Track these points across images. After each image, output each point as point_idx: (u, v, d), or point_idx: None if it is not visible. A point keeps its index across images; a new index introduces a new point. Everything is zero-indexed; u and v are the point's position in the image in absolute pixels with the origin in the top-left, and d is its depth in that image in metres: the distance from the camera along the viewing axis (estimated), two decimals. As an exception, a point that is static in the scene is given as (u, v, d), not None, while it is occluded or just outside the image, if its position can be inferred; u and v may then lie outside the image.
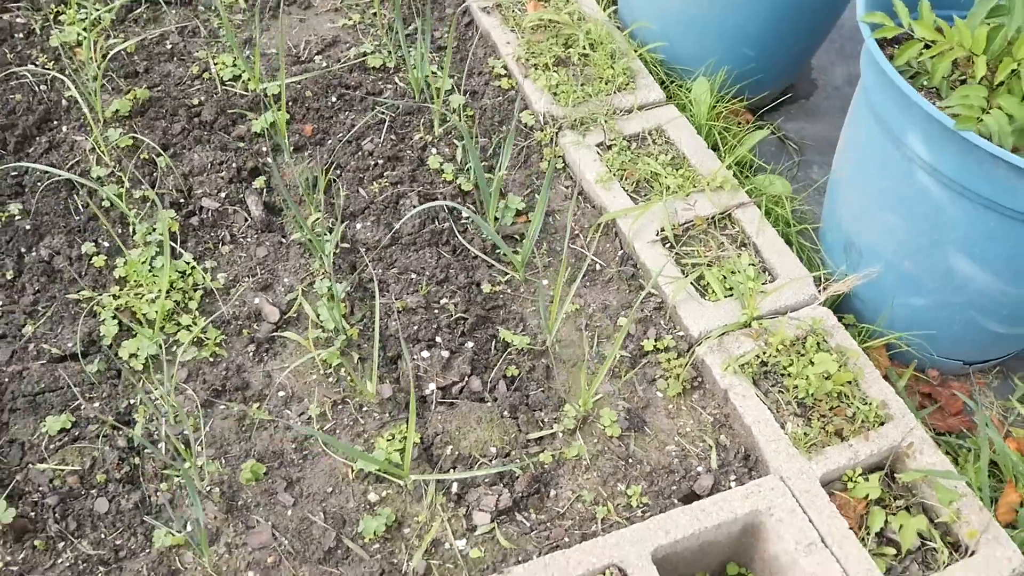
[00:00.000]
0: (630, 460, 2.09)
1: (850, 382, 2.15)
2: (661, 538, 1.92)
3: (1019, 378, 2.49)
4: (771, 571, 2.02)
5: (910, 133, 2.06)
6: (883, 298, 2.36)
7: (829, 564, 1.90)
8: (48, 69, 2.69)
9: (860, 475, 2.06)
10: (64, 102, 2.65)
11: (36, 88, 2.66)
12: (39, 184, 2.46)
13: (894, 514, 2.03)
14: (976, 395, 2.44)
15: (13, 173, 2.48)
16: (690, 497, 2.04)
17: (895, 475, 2.10)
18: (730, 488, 2.04)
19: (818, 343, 2.21)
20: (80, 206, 2.43)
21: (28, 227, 2.37)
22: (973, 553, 1.95)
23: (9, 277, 2.29)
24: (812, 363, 2.18)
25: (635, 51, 2.82)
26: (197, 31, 2.86)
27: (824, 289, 2.31)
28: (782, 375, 2.18)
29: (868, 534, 2.00)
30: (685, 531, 1.93)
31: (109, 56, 2.70)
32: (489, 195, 2.38)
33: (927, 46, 2.07)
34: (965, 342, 2.38)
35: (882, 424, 2.11)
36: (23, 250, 2.34)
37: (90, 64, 2.65)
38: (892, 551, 1.99)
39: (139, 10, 2.87)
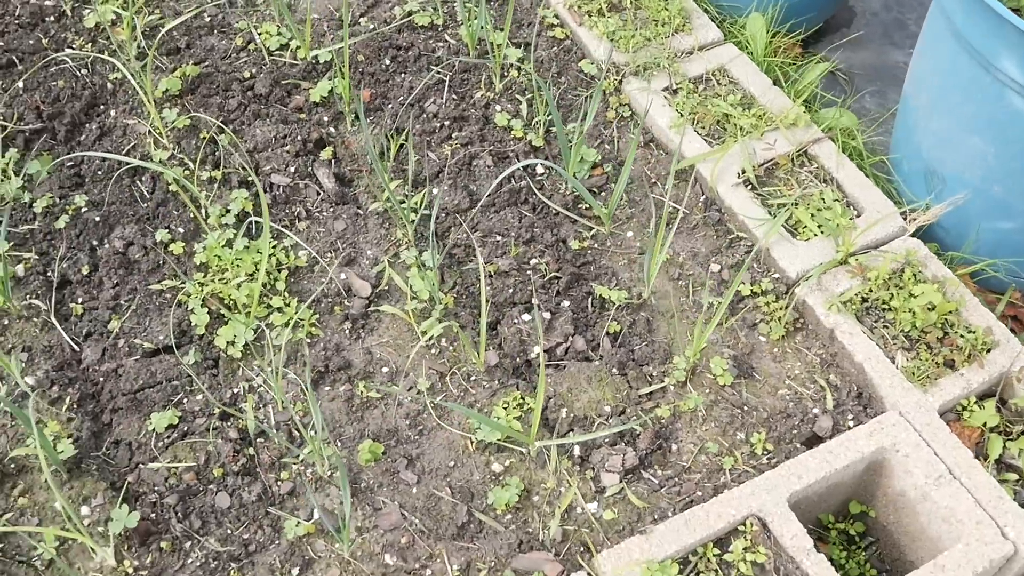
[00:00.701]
0: (745, 408, 2.07)
1: (953, 312, 2.15)
2: (795, 483, 1.91)
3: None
4: (896, 507, 2.02)
5: (1004, 56, 2.04)
6: (968, 225, 2.35)
7: (960, 495, 1.90)
8: (88, 52, 2.59)
9: (975, 403, 2.07)
10: (109, 85, 2.55)
11: (77, 73, 2.56)
12: (99, 173, 2.37)
13: (1013, 439, 2.04)
14: (1061, 313, 2.45)
15: (70, 163, 2.39)
16: (812, 440, 2.03)
17: (1006, 401, 2.10)
18: (849, 428, 2.03)
19: (914, 275, 2.20)
20: (146, 192, 2.35)
21: (97, 218, 2.29)
22: (1098, 473, 1.97)
23: (85, 272, 2.22)
24: (912, 295, 2.17)
25: (687, -10, 2.76)
26: (234, 1, 2.75)
27: (912, 220, 2.30)
28: (884, 310, 2.17)
29: (988, 462, 2.01)
30: (816, 475, 1.93)
31: (150, 35, 2.60)
32: (568, 149, 2.33)
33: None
34: (1052, 262, 2.38)
35: (989, 351, 2.10)
36: (95, 243, 2.27)
37: (130, 44, 2.55)
38: (1014, 476, 2.00)
39: (168, -18, 2.77)
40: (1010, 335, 2.13)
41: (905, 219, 2.31)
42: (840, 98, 2.79)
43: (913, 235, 2.31)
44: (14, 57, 2.58)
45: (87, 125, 2.48)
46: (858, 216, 2.32)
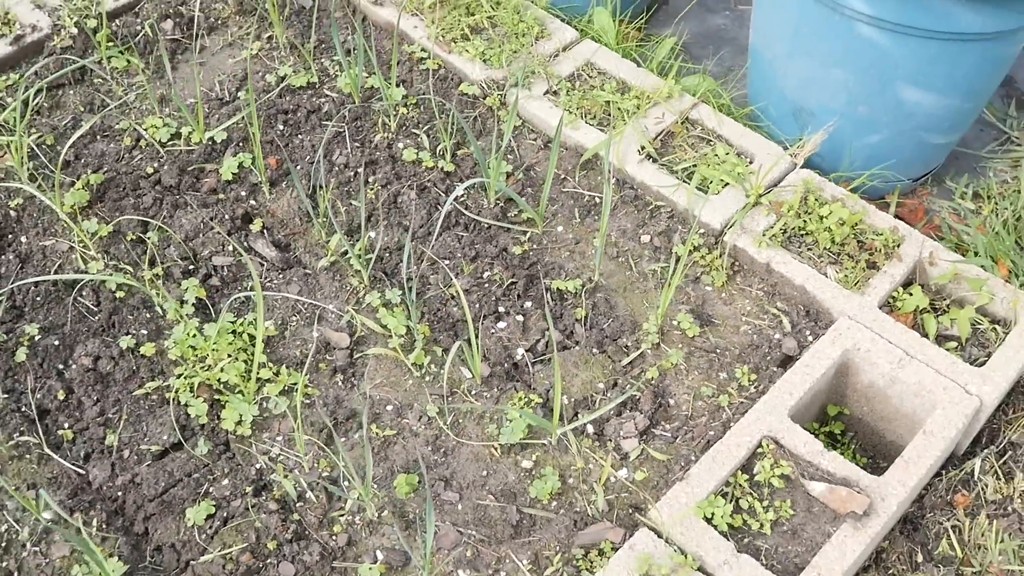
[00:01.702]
0: (717, 351, 2.28)
1: (859, 221, 2.43)
2: (788, 400, 2.13)
3: (949, 179, 2.87)
4: (867, 398, 2.28)
5: (848, -6, 2.34)
6: (841, 147, 2.65)
7: (922, 370, 2.17)
8: (-24, 187, 2.53)
9: (903, 293, 2.35)
10: (12, 212, 2.50)
11: (-28, 209, 2.50)
12: (38, 299, 2.33)
13: (943, 314, 2.34)
14: (928, 203, 2.80)
15: (2, 296, 2.33)
16: (785, 361, 2.26)
17: (924, 284, 2.40)
18: (810, 343, 2.28)
19: (816, 199, 2.47)
20: (91, 306, 2.32)
21: (56, 342, 2.26)
22: (1016, 323, 2.29)
23: (62, 397, 2.18)
24: (822, 217, 2.44)
25: (532, 2, 2.96)
26: (104, 104, 2.74)
27: (797, 154, 2.58)
28: (803, 235, 2.43)
29: (930, 338, 2.30)
30: (802, 388, 2.15)
31: (31, 156, 2.56)
32: (487, 166, 2.47)
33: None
34: (914, 161, 2.72)
35: (899, 246, 2.40)
36: (60, 366, 2.23)
37: (21, 168, 2.51)
38: (953, 344, 2.29)
39: (38, 101, 2.72)
40: (911, 228, 2.43)
41: (791, 155, 2.59)
42: (688, 66, 3.06)
43: (803, 167, 2.59)
44: (-101, 210, 2.49)
45: (2, 256, 2.42)
46: (751, 163, 2.58)
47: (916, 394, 2.17)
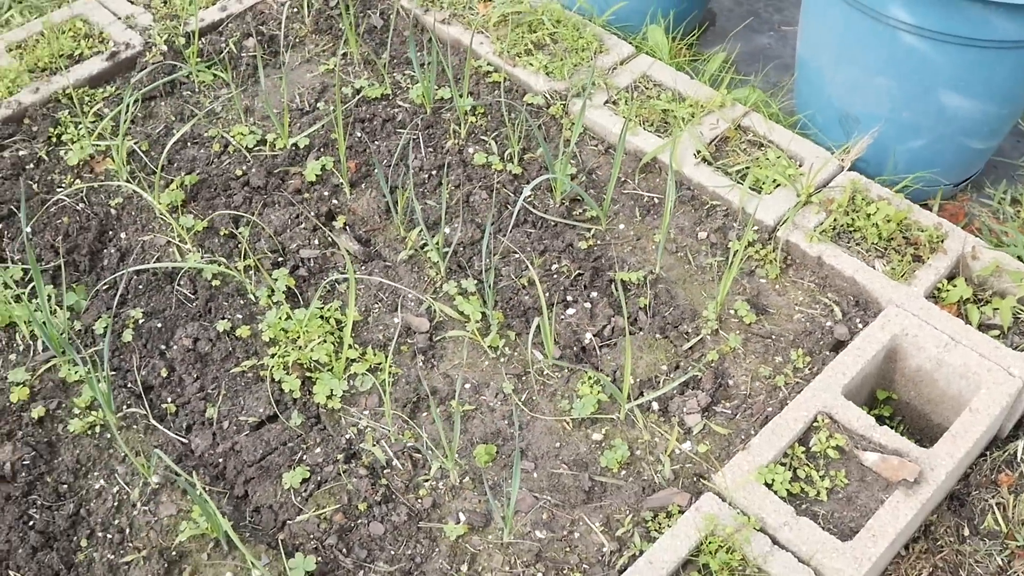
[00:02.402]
0: (773, 336, 2.43)
1: (905, 218, 2.58)
2: (842, 379, 2.28)
3: (988, 186, 3.02)
4: (914, 382, 2.41)
5: (892, 5, 2.51)
6: (885, 151, 2.81)
7: (968, 353, 2.31)
8: (77, 187, 2.73)
9: (948, 284, 2.50)
10: (113, 211, 2.70)
11: (76, 208, 2.70)
12: (139, 287, 2.52)
13: (986, 304, 2.48)
14: (968, 208, 2.95)
15: (105, 287, 2.52)
16: (837, 346, 2.41)
17: (967, 277, 2.54)
18: (860, 329, 2.42)
19: (864, 198, 2.63)
20: (189, 294, 2.51)
21: (159, 325, 2.44)
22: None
23: (165, 375, 2.36)
24: (869, 215, 2.59)
25: (590, 20, 3.15)
26: (193, 114, 2.95)
27: (844, 158, 2.74)
28: (852, 231, 2.58)
29: (973, 326, 2.44)
30: (854, 369, 2.30)
31: (128, 161, 2.77)
32: (555, 168, 2.65)
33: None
34: (955, 166, 2.87)
35: (943, 240, 2.55)
36: (163, 347, 2.42)
37: (122, 169, 2.72)
38: (996, 332, 2.43)
39: (133, 111, 2.93)
40: (953, 225, 2.58)
41: (838, 159, 2.75)
42: (737, 78, 3.23)
43: (849, 170, 2.75)
44: (11, 207, 2.69)
45: (104, 251, 2.62)
46: (800, 166, 2.74)
47: (962, 376, 2.31)
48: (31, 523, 2.13)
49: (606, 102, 2.92)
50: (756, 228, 2.63)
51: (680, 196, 2.73)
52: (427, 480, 2.19)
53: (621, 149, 2.58)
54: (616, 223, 2.70)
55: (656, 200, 2.74)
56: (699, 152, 2.76)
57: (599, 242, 2.65)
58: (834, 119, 2.88)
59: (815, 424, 2.22)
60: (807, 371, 2.36)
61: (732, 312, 2.47)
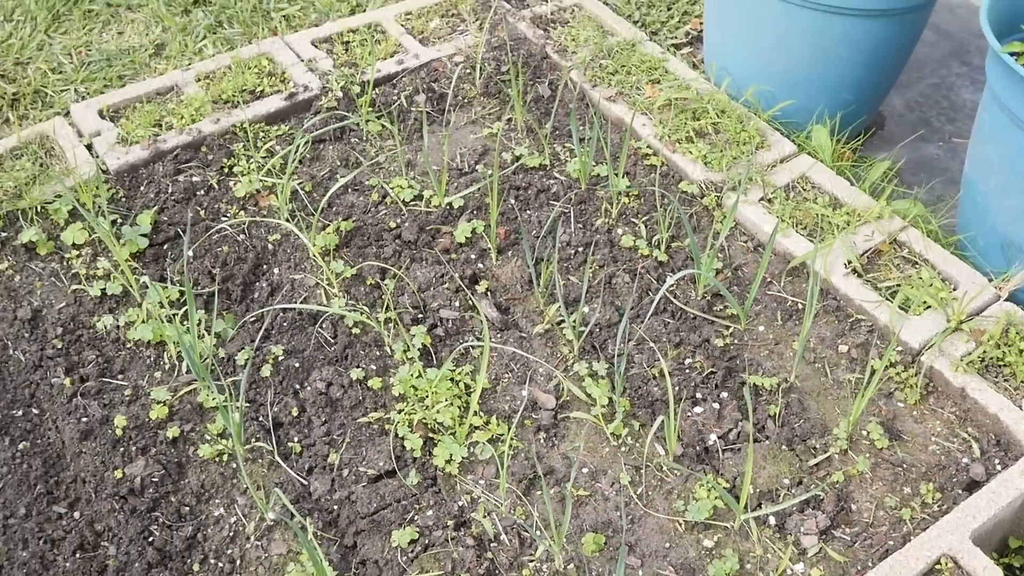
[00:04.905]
0: (904, 465, 2.36)
1: (1061, 361, 2.48)
2: (972, 523, 2.19)
3: None
4: (1051, 535, 2.30)
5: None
6: (1048, 286, 2.70)
7: (1112, 516, 2.20)
8: (244, 219, 2.86)
9: (1099, 438, 2.38)
10: (270, 246, 2.82)
11: (237, 238, 2.83)
12: (284, 324, 2.62)
13: None
14: None
15: (252, 320, 2.63)
16: (971, 486, 2.32)
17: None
18: (999, 471, 2.33)
19: (1018, 332, 2.53)
20: (329, 337, 2.59)
21: (297, 364, 2.53)
22: None
23: (295, 414, 2.44)
24: (1022, 351, 2.49)
25: (755, 113, 3.14)
26: (358, 162, 3.06)
27: (1001, 287, 2.64)
28: (1001, 366, 2.49)
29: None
30: (986, 513, 2.21)
31: (291, 199, 2.89)
32: (701, 262, 2.65)
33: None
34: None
35: (1099, 390, 2.43)
36: (297, 387, 2.50)
37: (283, 207, 2.84)
38: None
39: (302, 151, 3.06)
40: (1112, 373, 2.46)
41: (996, 287, 2.66)
42: (899, 190, 3.17)
43: (1006, 300, 2.65)
44: (178, 230, 2.84)
45: (256, 283, 2.73)
46: (954, 289, 2.66)
47: (1103, 538, 2.20)
48: (151, 539, 2.23)
49: (761, 199, 2.90)
50: (900, 349, 2.56)
51: (825, 305, 2.68)
52: (532, 561, 2.20)
53: (769, 251, 2.56)
54: (756, 324, 2.67)
55: (800, 306, 2.70)
56: (850, 263, 2.71)
57: (736, 341, 2.62)
58: (996, 245, 2.79)
59: (937, 567, 2.13)
60: (936, 508, 2.27)
61: (864, 433, 2.41)
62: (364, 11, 3.74)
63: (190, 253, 2.79)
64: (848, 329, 2.63)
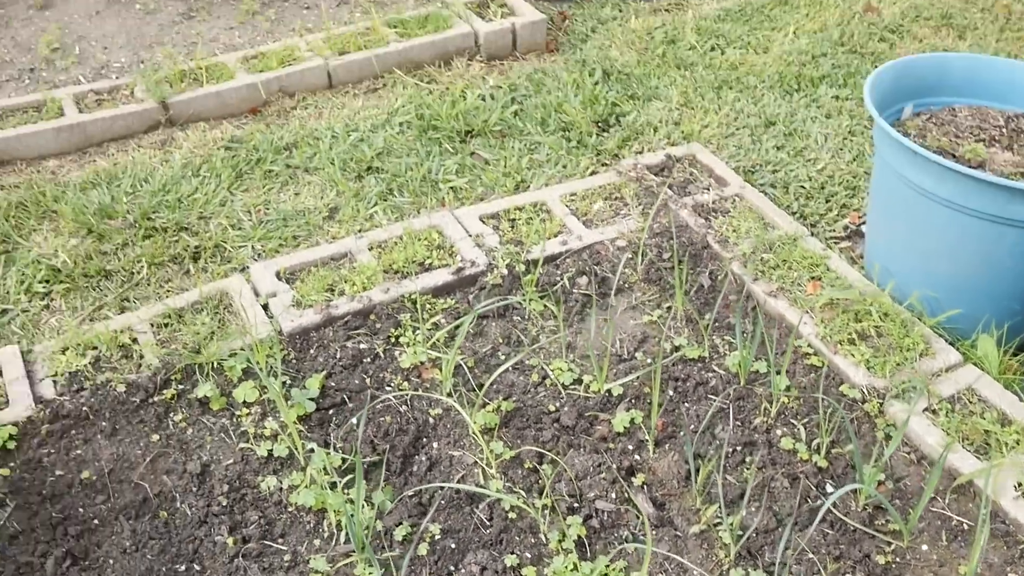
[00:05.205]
0: None
1: None
2: None
3: None
4: None
5: None
6: None
7: None
8: (407, 391, 2.94)
9: None
10: (431, 420, 2.89)
11: (400, 409, 2.91)
12: (442, 502, 2.66)
13: None
14: None
15: (411, 494, 2.68)
16: None
17: None
18: None
19: None
20: (485, 519, 2.62)
21: (453, 545, 2.56)
22: None
23: (449, 597, 2.46)
24: None
25: (919, 319, 3.12)
26: (519, 341, 3.14)
27: None
28: None
29: None
30: None
31: (454, 373, 2.97)
32: (864, 475, 2.60)
33: None
34: None
35: None
36: (451, 568, 2.52)
37: (447, 382, 2.91)
38: None
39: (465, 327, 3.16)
40: None
41: None
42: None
43: None
44: (344, 396, 2.94)
45: (416, 456, 2.79)
46: None
47: None
48: None
49: (925, 409, 2.85)
50: (1076, 585, 2.45)
51: (994, 529, 2.59)
52: None
53: (939, 470, 2.51)
54: (919, 542, 2.59)
55: (966, 526, 2.61)
56: (1021, 484, 2.63)
57: (898, 559, 2.55)
58: None
59: None
60: None
61: (1039, 674, 2.30)
62: (528, 187, 3.88)
63: (354, 421, 2.87)
64: (1018, 557, 2.54)
